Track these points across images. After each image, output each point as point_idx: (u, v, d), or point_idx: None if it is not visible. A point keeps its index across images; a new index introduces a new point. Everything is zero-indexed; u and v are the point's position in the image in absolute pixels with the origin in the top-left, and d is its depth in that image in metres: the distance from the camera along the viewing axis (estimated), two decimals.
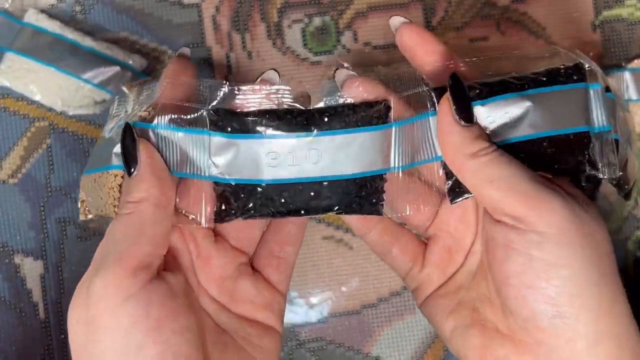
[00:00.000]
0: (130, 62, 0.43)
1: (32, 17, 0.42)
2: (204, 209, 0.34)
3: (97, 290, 0.30)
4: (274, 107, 0.33)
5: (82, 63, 0.41)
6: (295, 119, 0.32)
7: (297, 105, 0.33)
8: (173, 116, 0.33)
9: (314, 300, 0.45)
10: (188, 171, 0.33)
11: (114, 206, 0.33)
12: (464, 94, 0.32)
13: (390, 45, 0.44)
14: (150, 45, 0.44)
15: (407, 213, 0.35)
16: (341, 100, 0.33)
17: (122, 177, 0.33)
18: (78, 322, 0.30)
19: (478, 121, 0.32)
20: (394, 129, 0.33)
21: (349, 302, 0.45)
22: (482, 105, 0.32)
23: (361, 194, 0.33)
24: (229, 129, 0.33)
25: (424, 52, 0.34)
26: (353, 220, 0.37)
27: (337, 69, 0.34)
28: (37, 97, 0.42)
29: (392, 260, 0.37)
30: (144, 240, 0.31)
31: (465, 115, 0.32)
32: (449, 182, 0.33)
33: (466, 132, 0.31)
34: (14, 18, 0.43)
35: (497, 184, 0.30)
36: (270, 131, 0.32)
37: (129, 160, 0.32)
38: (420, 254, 0.37)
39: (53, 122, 0.43)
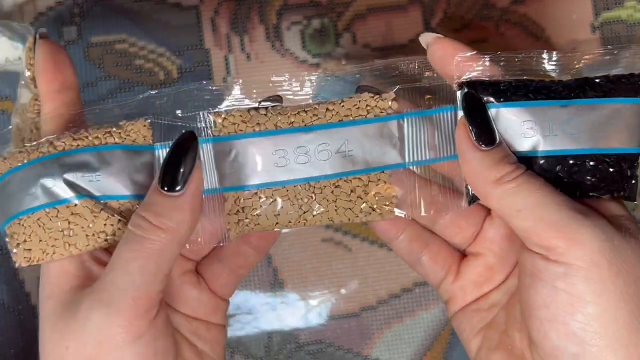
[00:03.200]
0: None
1: None
2: None
3: (102, 331, 0.28)
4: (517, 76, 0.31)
5: None
6: (553, 88, 0.30)
7: (550, 72, 0.31)
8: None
9: (313, 302, 0.45)
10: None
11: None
12: (481, 115, 0.30)
13: (389, 47, 0.44)
14: (149, 47, 0.44)
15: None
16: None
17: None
18: (69, 348, 0.29)
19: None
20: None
21: (348, 304, 0.45)
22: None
23: (622, 173, 0.31)
24: (487, 100, 0.30)
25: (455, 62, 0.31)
26: (379, 224, 0.35)
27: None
28: None
29: (423, 269, 0.35)
30: (160, 278, 0.29)
31: (485, 138, 0.30)
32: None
33: (487, 158, 0.29)
34: None
35: (524, 214, 0.29)
36: (526, 100, 0.30)
37: (177, 179, 0.29)
38: (454, 264, 0.35)
39: None
